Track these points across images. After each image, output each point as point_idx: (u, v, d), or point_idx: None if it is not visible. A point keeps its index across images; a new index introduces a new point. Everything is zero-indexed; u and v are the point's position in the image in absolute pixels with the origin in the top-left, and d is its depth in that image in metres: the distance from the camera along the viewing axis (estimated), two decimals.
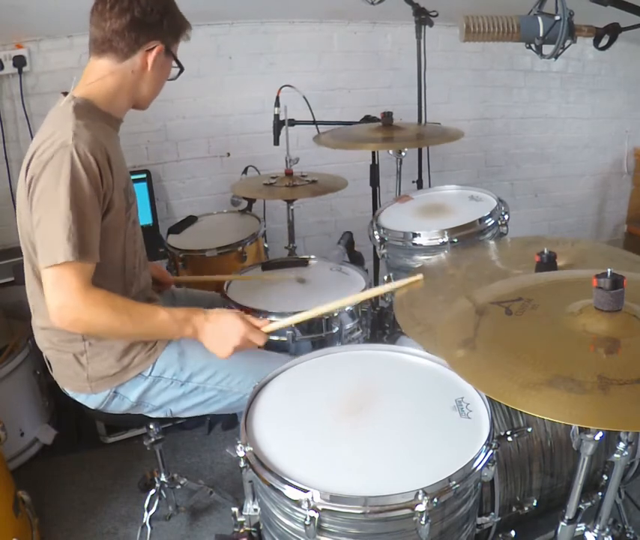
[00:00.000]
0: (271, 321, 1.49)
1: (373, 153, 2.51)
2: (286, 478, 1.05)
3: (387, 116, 2.20)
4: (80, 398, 1.52)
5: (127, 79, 1.43)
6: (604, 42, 1.71)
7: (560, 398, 0.90)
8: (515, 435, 1.32)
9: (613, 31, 1.69)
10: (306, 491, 1.02)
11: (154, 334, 1.44)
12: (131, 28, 1.38)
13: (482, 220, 1.83)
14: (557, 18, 1.61)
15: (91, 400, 1.50)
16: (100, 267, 1.35)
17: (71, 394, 1.52)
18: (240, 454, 1.14)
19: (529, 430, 1.37)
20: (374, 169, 2.50)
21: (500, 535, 1.38)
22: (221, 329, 1.41)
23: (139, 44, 1.40)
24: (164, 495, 1.88)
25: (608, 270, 1.02)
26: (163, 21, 1.42)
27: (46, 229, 1.27)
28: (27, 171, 1.32)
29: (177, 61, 1.51)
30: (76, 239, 1.26)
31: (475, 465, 1.07)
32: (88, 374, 1.46)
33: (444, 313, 1.28)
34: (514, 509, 1.42)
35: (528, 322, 1.10)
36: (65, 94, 1.42)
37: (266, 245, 2.50)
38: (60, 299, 1.27)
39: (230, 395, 1.52)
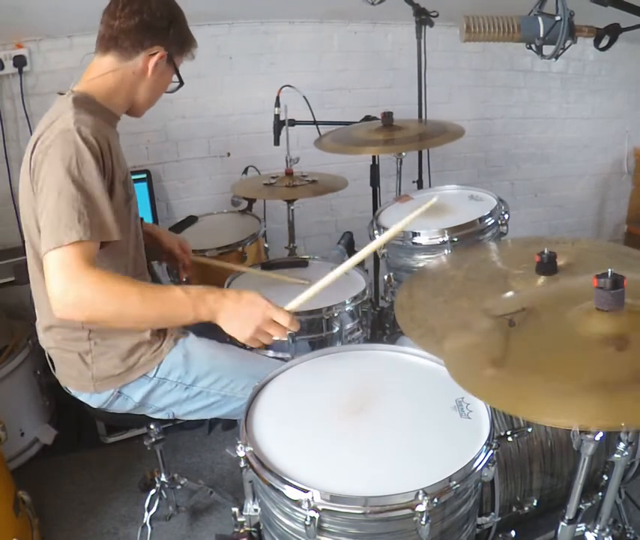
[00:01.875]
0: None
1: None
2: (286, 478, 1.05)
3: (388, 116, 2.20)
4: (83, 397, 1.51)
5: (126, 79, 1.45)
6: (604, 42, 1.71)
7: (561, 398, 0.90)
8: (515, 435, 1.32)
9: (613, 31, 1.69)
10: (306, 491, 1.02)
11: (165, 314, 1.29)
12: (138, 30, 1.41)
13: (482, 219, 1.82)
14: (558, 18, 1.60)
15: (94, 400, 1.50)
16: (108, 259, 1.35)
17: (74, 392, 1.52)
18: (241, 454, 1.14)
19: (529, 430, 1.37)
20: (374, 169, 2.50)
21: (500, 535, 1.38)
22: (240, 308, 1.29)
23: (143, 46, 1.43)
24: (164, 495, 1.89)
25: (609, 270, 1.02)
26: (170, 29, 1.45)
27: (52, 212, 1.25)
28: (30, 161, 1.33)
29: (178, 74, 1.53)
30: (87, 219, 1.23)
31: (475, 465, 1.07)
32: (93, 374, 1.46)
33: (444, 315, 1.28)
34: (514, 509, 1.42)
35: (531, 332, 1.10)
36: (62, 94, 1.43)
37: (266, 245, 2.50)
38: (64, 282, 1.21)
39: (234, 401, 1.51)
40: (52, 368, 1.54)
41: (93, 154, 1.28)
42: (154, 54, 1.44)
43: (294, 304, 1.35)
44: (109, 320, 1.28)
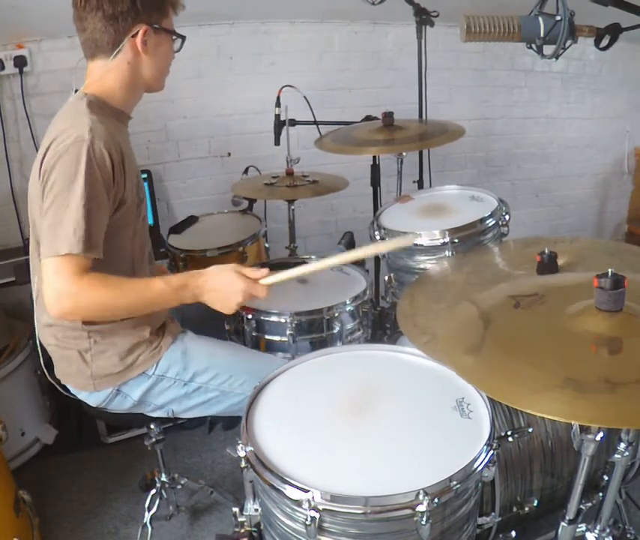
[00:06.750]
0: (270, 272, 1.42)
1: None
2: (287, 478, 1.05)
3: (388, 116, 2.20)
4: (82, 396, 1.52)
5: (125, 72, 1.42)
6: (605, 42, 1.71)
7: (562, 398, 0.90)
8: (515, 435, 1.31)
9: (614, 31, 1.69)
10: (306, 491, 1.02)
11: (152, 305, 1.39)
12: (107, 24, 1.36)
13: (483, 220, 1.82)
14: (558, 18, 1.60)
15: (93, 398, 1.50)
16: (108, 262, 1.34)
17: (73, 391, 1.52)
18: (241, 454, 1.14)
19: (530, 430, 1.37)
20: (375, 169, 2.50)
21: (500, 536, 1.38)
22: (221, 289, 1.38)
23: (121, 35, 1.38)
24: (165, 495, 1.89)
25: (609, 270, 1.02)
26: (136, 3, 1.37)
27: (53, 219, 1.27)
28: (42, 163, 1.32)
29: (174, 33, 1.47)
30: (82, 233, 1.25)
31: (476, 465, 1.07)
32: (92, 371, 1.46)
33: (447, 320, 1.27)
34: (515, 509, 1.42)
35: (533, 319, 1.10)
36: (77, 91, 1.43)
37: (267, 245, 2.50)
38: (59, 289, 1.26)
39: (232, 396, 1.52)
40: (44, 368, 1.54)
41: (102, 170, 1.29)
42: (136, 34, 1.38)
43: (270, 280, 1.41)
44: (98, 319, 1.41)
